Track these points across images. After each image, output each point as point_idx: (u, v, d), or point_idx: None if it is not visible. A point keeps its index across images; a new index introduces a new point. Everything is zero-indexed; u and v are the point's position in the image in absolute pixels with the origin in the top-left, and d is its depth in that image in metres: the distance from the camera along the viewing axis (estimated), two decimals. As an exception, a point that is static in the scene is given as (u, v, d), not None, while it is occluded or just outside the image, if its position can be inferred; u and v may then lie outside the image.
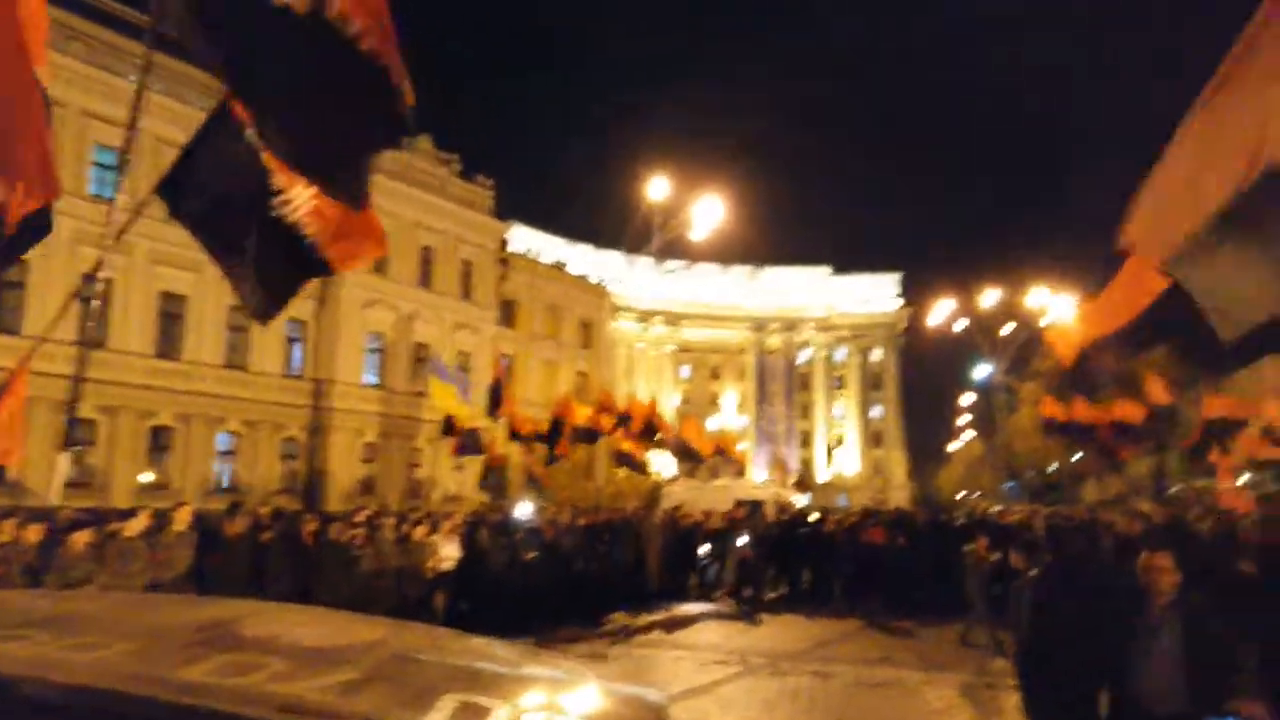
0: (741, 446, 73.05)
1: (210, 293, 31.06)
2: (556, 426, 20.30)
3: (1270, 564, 9.34)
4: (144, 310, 30.23)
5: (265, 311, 5.74)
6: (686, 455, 23.51)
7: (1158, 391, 18.22)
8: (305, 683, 1.81)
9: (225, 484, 32.32)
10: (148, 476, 30.03)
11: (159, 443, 30.78)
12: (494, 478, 21.17)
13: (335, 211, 5.14)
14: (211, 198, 5.13)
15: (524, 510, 20.37)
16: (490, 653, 2.38)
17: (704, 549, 18.21)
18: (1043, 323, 35.24)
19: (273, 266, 5.27)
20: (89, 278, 4.46)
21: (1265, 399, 20.63)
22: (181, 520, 10.25)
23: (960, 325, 38.89)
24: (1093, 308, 10.96)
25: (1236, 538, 11.20)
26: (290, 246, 5.18)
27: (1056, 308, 33.53)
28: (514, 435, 20.75)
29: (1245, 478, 22.22)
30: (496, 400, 20.96)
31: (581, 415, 20.88)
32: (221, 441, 32.87)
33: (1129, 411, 18.39)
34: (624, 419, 20.72)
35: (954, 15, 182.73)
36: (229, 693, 1.74)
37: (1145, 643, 4.56)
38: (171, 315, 31.24)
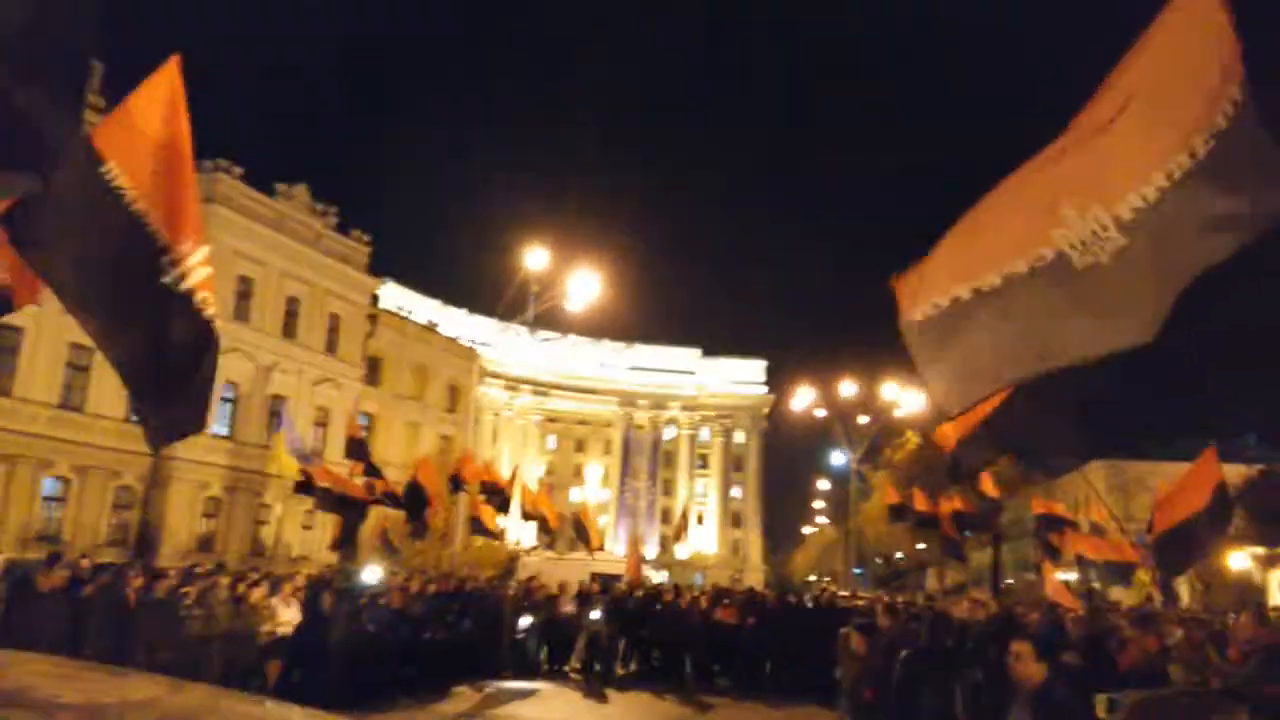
0: (603, 520, 72.87)
1: (49, 327, 29.17)
2: (414, 490, 19.75)
3: (1094, 655, 9.93)
4: (-27, 341, 28.15)
5: (174, 430, 4.95)
6: (538, 524, 23.27)
7: (990, 487, 19.26)
8: None
9: (49, 533, 29.95)
10: (-42, 521, 27.61)
11: (-25, 485, 28.41)
12: (346, 540, 20.32)
13: None
14: (71, 244, 4.59)
15: (372, 575, 19.60)
16: (278, 717, 2.26)
17: (523, 621, 17.75)
18: (895, 414, 36.83)
19: (173, 358, 4.62)
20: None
21: (1091, 500, 22.04)
22: (-11, 569, 9.46)
23: (819, 414, 40.16)
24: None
25: (1063, 629, 11.87)
26: (188, 326, 4.43)
27: (907, 401, 35.15)
28: (372, 497, 20.05)
29: (1072, 574, 23.52)
30: (362, 457, 20.26)
31: (439, 480, 20.41)
32: (48, 486, 30.58)
33: (965, 505, 19.31)
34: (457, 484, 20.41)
35: (834, 108, 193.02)
36: None
37: None
38: (3, 349, 29.13)
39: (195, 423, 4.88)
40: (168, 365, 4.45)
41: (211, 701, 2.30)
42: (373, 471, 19.96)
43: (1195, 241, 3.11)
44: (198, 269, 4.44)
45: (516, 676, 16.34)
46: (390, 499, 19.92)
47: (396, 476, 22.30)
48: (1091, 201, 3.32)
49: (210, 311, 4.53)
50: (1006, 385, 3.82)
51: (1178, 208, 3.12)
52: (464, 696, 14.36)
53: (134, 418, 32.73)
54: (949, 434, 7.85)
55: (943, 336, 3.85)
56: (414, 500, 19.59)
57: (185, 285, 4.34)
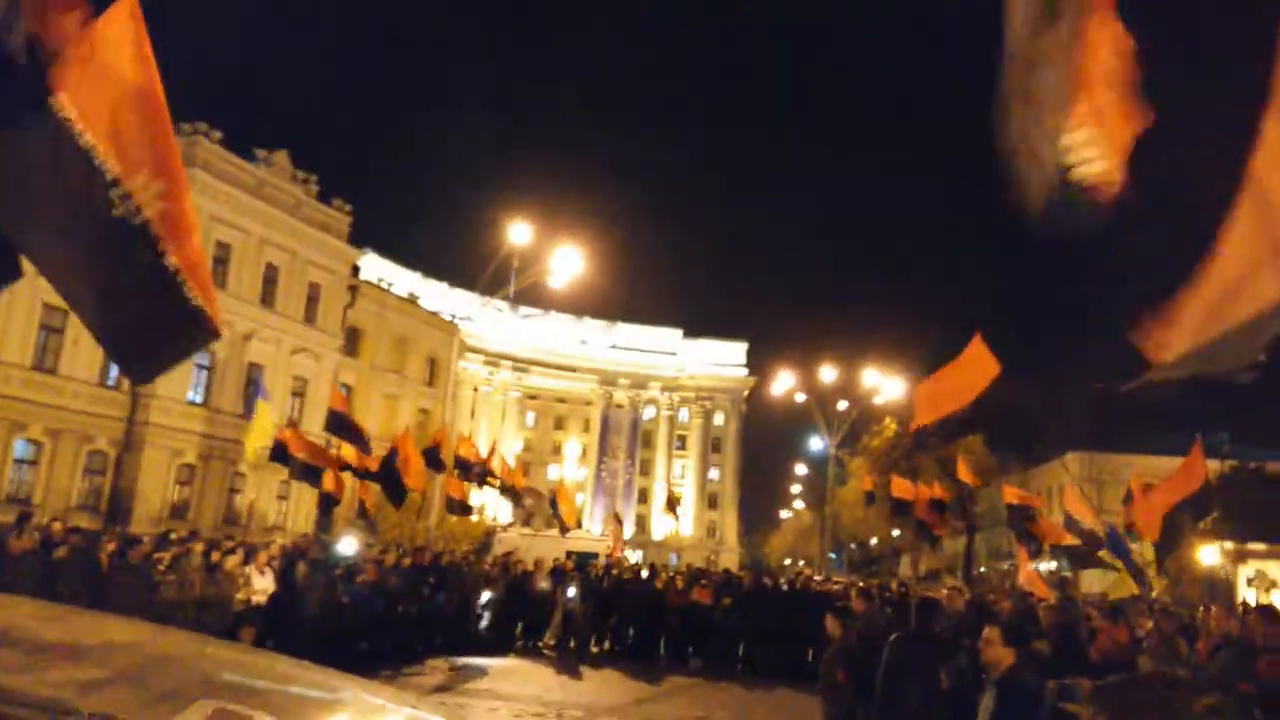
0: (580, 498, 72.97)
1: (24, 288, 28.71)
2: (389, 463, 19.58)
3: (1062, 643, 10.03)
4: (-56, 300, 27.65)
5: (145, 369, 4.97)
6: (511, 498, 23.08)
7: (966, 474, 19.42)
8: (35, 676, 1.62)
9: (19, 495, 29.62)
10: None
11: (-56, 445, 28.04)
12: (323, 510, 20.21)
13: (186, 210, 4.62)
14: (22, 189, 4.49)
15: (348, 546, 19.48)
16: (262, 665, 2.20)
17: (484, 596, 17.64)
18: (875, 401, 37.07)
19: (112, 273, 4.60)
20: None
21: (1066, 489, 22.25)
22: (-42, 530, 9.33)
23: (799, 398, 40.31)
24: (935, 389, 11.58)
25: (1034, 618, 11.98)
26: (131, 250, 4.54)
27: (887, 388, 35.35)
28: (346, 468, 19.89)
29: (1045, 563, 23.74)
30: (348, 430, 20.07)
31: (417, 455, 20.21)
32: (20, 449, 30.21)
33: (942, 491, 19.41)
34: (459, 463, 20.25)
35: (824, 93, 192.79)
36: None
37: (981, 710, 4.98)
38: (-24, 308, 28.68)
39: (173, 357, 4.82)
40: (131, 302, 4.36)
41: (197, 647, 2.25)
42: (364, 447, 19.74)
43: None
44: (155, 202, 4.29)
45: (490, 651, 16.35)
46: (368, 474, 19.73)
47: (374, 449, 22.12)
48: None
49: (166, 245, 4.38)
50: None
51: None
52: (438, 670, 14.36)
53: (109, 382, 32.45)
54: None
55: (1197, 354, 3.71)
56: (389, 476, 19.40)
57: (140, 218, 4.21)
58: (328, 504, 19.32)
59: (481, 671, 14.66)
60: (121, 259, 4.22)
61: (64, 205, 4.17)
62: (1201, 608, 17.60)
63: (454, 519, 31.93)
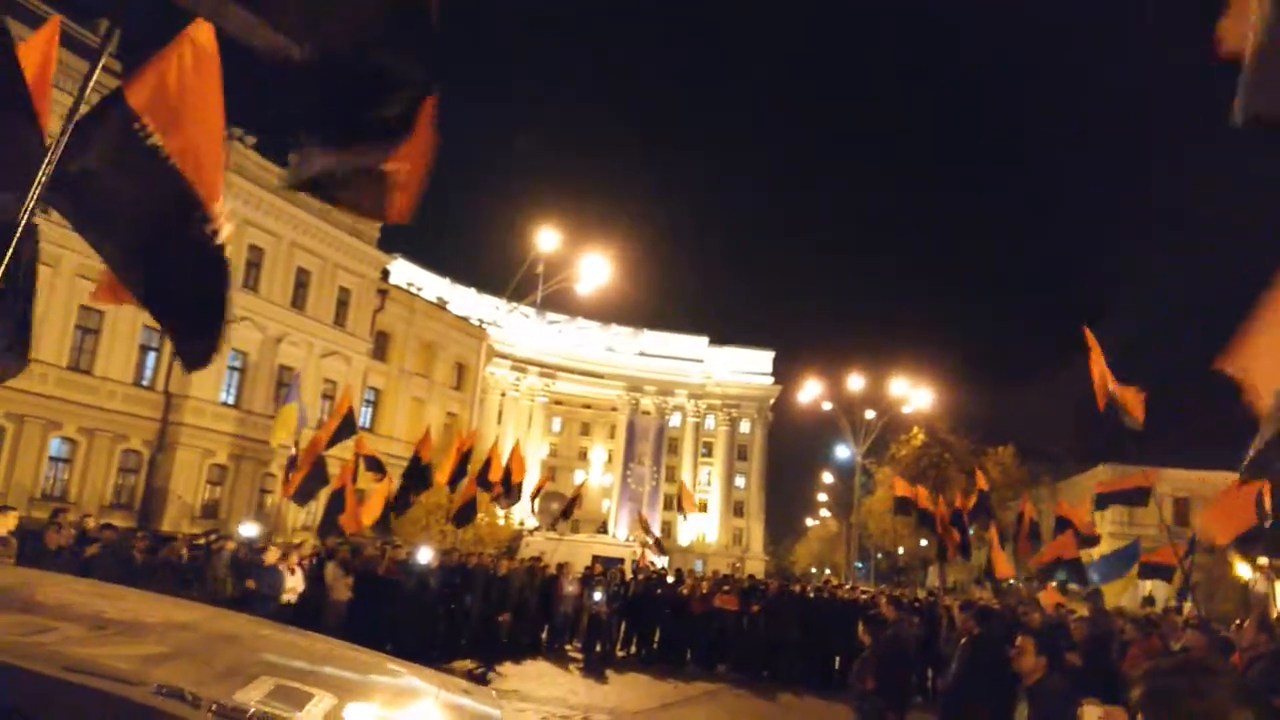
0: (606, 504, 73.03)
1: (61, 289, 29.18)
2: (415, 464, 19.63)
3: (1094, 655, 9.95)
4: (-16, 300, 28.05)
5: (198, 357, 5.19)
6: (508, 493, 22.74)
7: (984, 483, 19.36)
8: (100, 649, 1.65)
9: (54, 493, 30.06)
10: (-36, 478, 27.68)
11: (-17, 443, 28.47)
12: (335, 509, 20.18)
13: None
14: (107, 197, 4.66)
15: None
16: (318, 648, 2.24)
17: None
18: (903, 410, 36.81)
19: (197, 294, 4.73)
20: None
21: (1084, 501, 21.96)
22: (5, 525, 9.48)
23: (826, 406, 40.08)
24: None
25: (1066, 630, 11.90)
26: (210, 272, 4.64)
27: (914, 397, 35.09)
28: (371, 469, 19.96)
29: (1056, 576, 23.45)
30: (345, 432, 20.15)
31: (441, 458, 20.15)
32: (55, 447, 30.65)
33: (964, 504, 19.27)
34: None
35: (850, 101, 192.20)
36: (10, 648, 1.58)
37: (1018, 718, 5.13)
38: (15, 309, 29.11)
39: (214, 350, 5.00)
40: (192, 299, 4.50)
41: (252, 628, 2.28)
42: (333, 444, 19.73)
43: None
44: (226, 224, 4.52)
45: (517, 653, 16.40)
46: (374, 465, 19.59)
47: (402, 451, 22.22)
48: None
49: (229, 253, 4.63)
50: None
51: None
52: (465, 669, 14.38)
53: (144, 382, 32.91)
54: None
55: None
56: (414, 475, 19.41)
57: (219, 240, 4.44)
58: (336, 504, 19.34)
59: (510, 673, 14.70)
60: (193, 267, 4.42)
61: (151, 222, 4.39)
62: (1237, 621, 17.33)
63: (482, 522, 32.08)
